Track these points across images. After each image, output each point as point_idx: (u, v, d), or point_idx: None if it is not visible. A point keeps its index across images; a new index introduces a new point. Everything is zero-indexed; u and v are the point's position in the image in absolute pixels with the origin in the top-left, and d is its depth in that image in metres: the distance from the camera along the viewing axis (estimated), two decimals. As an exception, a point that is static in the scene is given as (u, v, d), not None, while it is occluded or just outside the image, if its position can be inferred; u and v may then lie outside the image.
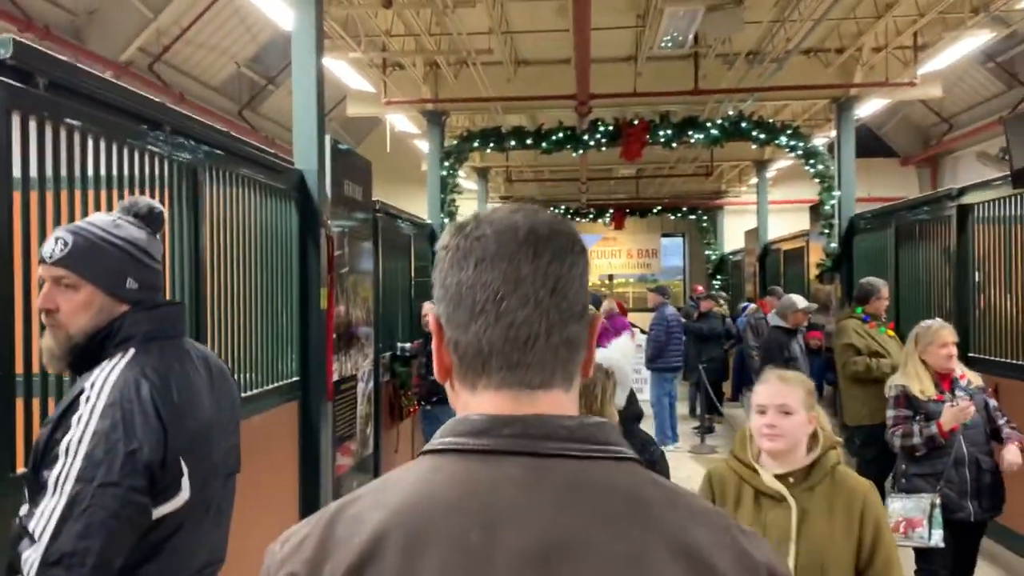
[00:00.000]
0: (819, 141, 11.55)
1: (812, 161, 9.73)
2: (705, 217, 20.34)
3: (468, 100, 10.50)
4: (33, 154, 2.51)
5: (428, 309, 6.65)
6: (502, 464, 0.84)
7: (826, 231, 9.47)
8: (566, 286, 0.89)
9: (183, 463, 1.67)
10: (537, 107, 11.35)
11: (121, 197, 2.99)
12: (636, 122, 10.10)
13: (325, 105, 5.32)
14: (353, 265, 5.61)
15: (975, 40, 8.81)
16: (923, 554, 3.82)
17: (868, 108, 11.27)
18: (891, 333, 5.93)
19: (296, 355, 4.82)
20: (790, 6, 8.09)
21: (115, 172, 2.96)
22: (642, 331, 12.28)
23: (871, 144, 16.96)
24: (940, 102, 13.72)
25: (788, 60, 9.00)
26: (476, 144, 10.34)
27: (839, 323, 6.13)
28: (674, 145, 10.55)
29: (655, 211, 20.81)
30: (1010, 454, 3.84)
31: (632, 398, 2.82)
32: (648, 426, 6.25)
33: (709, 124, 9.95)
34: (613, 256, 23.04)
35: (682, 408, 11.18)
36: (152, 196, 3.22)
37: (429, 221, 9.54)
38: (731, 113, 10.48)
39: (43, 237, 2.54)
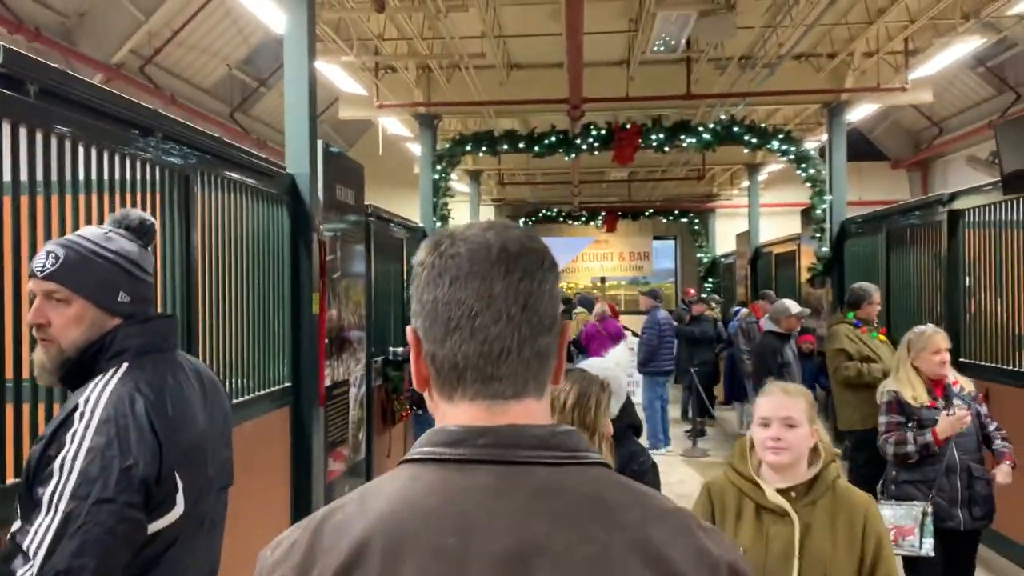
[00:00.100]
0: (810, 145, 11.60)
1: (804, 165, 9.77)
2: (697, 220, 20.40)
3: (461, 104, 10.51)
4: (24, 161, 2.50)
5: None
6: (476, 472, 0.89)
7: (817, 235, 9.50)
8: (536, 302, 0.93)
9: (178, 478, 1.66)
10: (530, 111, 11.36)
11: (113, 203, 2.98)
12: (628, 126, 10.12)
13: (317, 109, 5.30)
14: (345, 269, 5.60)
15: (966, 46, 8.87)
16: (912, 564, 3.77)
17: (859, 112, 11.32)
18: (883, 338, 5.94)
19: (288, 360, 4.80)
20: (782, 11, 8.12)
21: (107, 178, 2.94)
22: (634, 334, 12.30)
23: (862, 148, 17.02)
24: (930, 106, 13.79)
25: (780, 65, 9.03)
26: (468, 148, 10.34)
27: (831, 328, 6.13)
28: (666, 149, 10.57)
29: (647, 214, 20.90)
30: (1001, 474, 3.84)
31: (629, 408, 2.81)
32: (640, 431, 6.20)
33: (701, 128, 9.97)
34: (605, 259, 23.08)
35: (674, 411, 11.20)
36: (144, 202, 3.21)
37: (421, 225, 9.53)
38: (723, 117, 10.52)
39: (34, 241, 2.54)
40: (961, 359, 5.82)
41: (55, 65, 2.67)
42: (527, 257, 0.94)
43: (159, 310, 2.28)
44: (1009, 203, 5.52)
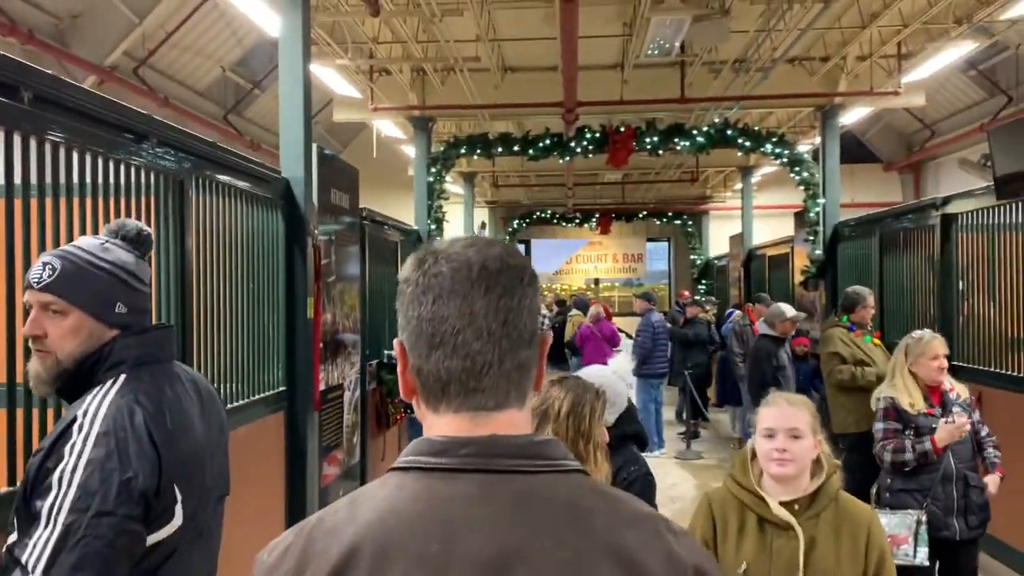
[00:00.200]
0: (803, 148, 11.64)
1: (797, 168, 9.79)
2: (690, 222, 20.45)
3: (455, 107, 10.51)
4: (18, 167, 2.49)
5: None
6: (459, 481, 0.93)
7: (811, 238, 9.53)
8: (516, 317, 0.97)
9: (177, 489, 1.66)
10: (524, 114, 11.37)
11: (108, 208, 2.98)
12: (623, 129, 10.12)
13: (312, 112, 5.30)
14: (340, 273, 5.59)
15: (958, 50, 8.91)
16: (906, 573, 3.65)
17: (852, 115, 11.36)
18: (877, 342, 5.96)
19: (282, 365, 4.79)
20: (776, 16, 8.14)
21: (102, 184, 2.94)
22: (628, 336, 12.31)
23: (854, 150, 17.09)
24: (923, 109, 13.86)
25: (774, 69, 9.05)
26: (463, 150, 10.34)
27: (825, 331, 6.15)
28: (660, 152, 10.58)
29: (641, 216, 20.94)
30: (992, 485, 3.82)
31: (628, 416, 2.78)
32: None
33: (695, 132, 9.99)
34: (599, 260, 23.14)
35: (669, 413, 11.21)
36: (139, 206, 3.21)
37: (416, 227, 9.52)
38: (717, 121, 10.53)
39: (28, 247, 2.53)
40: (954, 363, 5.83)
41: (49, 71, 2.66)
42: (507, 274, 0.98)
43: (153, 315, 2.27)
44: (1002, 207, 5.55)
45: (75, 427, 1.59)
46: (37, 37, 9.16)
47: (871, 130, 17.99)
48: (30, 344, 1.73)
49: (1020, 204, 5.30)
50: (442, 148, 10.50)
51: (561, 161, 10.81)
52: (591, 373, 2.68)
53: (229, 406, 3.93)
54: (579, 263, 23.23)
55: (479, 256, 0.98)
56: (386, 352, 7.16)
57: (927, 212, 6.69)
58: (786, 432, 2.31)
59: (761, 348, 7.17)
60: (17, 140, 2.49)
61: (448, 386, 0.97)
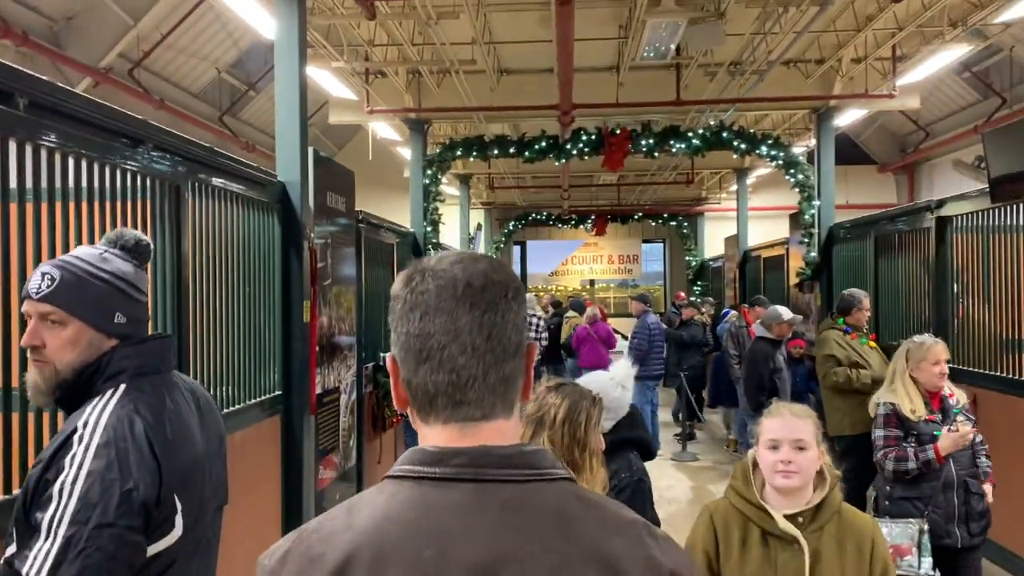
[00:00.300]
0: (798, 150, 11.65)
1: (792, 171, 9.80)
2: (686, 223, 20.48)
3: (451, 109, 10.50)
4: (13, 172, 2.49)
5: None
6: (451, 490, 0.97)
7: (806, 240, 9.55)
8: (499, 332, 1.02)
9: (177, 500, 1.66)
10: (520, 117, 11.36)
11: (104, 213, 2.97)
12: (618, 131, 10.13)
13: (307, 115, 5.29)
14: (336, 276, 5.59)
15: (953, 53, 8.93)
16: None
17: (847, 117, 11.38)
18: (872, 344, 5.97)
19: (279, 369, 4.78)
20: (771, 19, 8.15)
21: (98, 189, 2.93)
22: (623, 337, 12.31)
23: (849, 151, 17.12)
24: (917, 110, 13.87)
25: (769, 71, 9.07)
26: (459, 152, 10.32)
27: (821, 334, 6.15)
28: (656, 154, 10.59)
29: (636, 217, 20.98)
30: (987, 494, 3.79)
31: (631, 422, 2.75)
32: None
33: (691, 134, 9.99)
34: (594, 261, 23.19)
35: (665, 415, 11.22)
36: (135, 211, 3.20)
37: (412, 230, 9.52)
38: (712, 123, 10.54)
39: (23, 252, 2.53)
40: (950, 365, 5.83)
41: (45, 77, 2.65)
42: (491, 290, 1.02)
43: (150, 320, 2.27)
44: (997, 210, 5.56)
45: (75, 438, 1.59)
46: (31, 39, 9.13)
47: (865, 131, 18.03)
48: (28, 354, 1.72)
49: (1015, 206, 5.32)
50: (438, 150, 10.49)
51: (557, 163, 10.81)
52: (591, 380, 2.67)
53: (225, 410, 3.92)
54: (575, 264, 23.26)
55: (464, 273, 1.02)
56: (382, 354, 7.15)
57: (922, 214, 6.71)
58: (791, 443, 2.29)
59: (758, 350, 7.18)
60: (12, 147, 2.48)
61: (436, 399, 1.01)
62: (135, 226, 3.19)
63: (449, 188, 14.33)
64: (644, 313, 10.15)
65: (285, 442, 4.78)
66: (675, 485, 8.42)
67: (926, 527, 3.59)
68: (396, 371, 1.05)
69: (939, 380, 3.83)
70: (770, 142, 9.94)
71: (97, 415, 1.62)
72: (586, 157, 10.53)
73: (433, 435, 1.02)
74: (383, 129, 11.72)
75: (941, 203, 6.46)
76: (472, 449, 1.00)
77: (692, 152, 10.25)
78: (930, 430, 3.72)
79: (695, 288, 18.37)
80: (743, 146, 10.04)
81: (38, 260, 2.58)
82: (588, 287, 23.02)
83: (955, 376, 5.03)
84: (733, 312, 11.27)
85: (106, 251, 1.78)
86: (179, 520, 1.66)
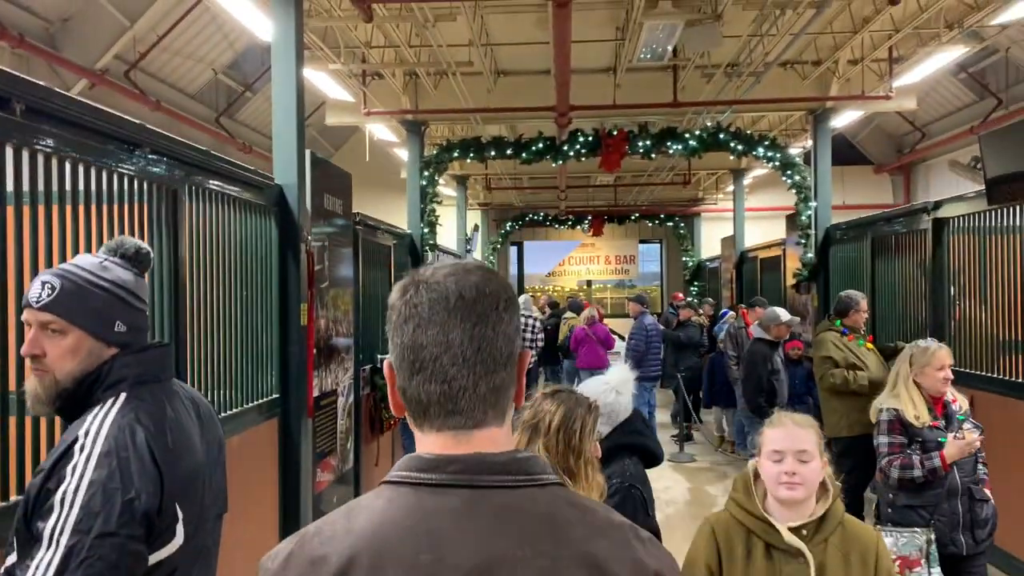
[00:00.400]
0: (795, 151, 11.66)
1: (789, 172, 9.82)
2: (682, 224, 20.50)
3: (448, 111, 10.50)
4: (10, 177, 2.48)
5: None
6: (446, 496, 1.00)
7: (803, 241, 9.55)
8: (490, 344, 1.04)
9: (178, 508, 1.65)
10: (517, 118, 11.36)
11: (101, 217, 2.97)
12: (615, 133, 10.13)
13: (304, 120, 5.29)
14: (333, 278, 5.58)
15: (949, 55, 8.94)
16: None
17: (843, 118, 11.40)
18: (870, 346, 5.98)
19: (276, 372, 4.78)
20: (768, 20, 8.16)
21: (95, 193, 2.93)
22: (620, 337, 12.31)
23: (845, 152, 17.16)
24: (913, 111, 13.92)
25: (766, 73, 9.08)
26: (456, 154, 10.32)
27: (818, 335, 6.16)
28: (653, 156, 10.59)
29: (633, 218, 21.01)
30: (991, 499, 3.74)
31: (629, 428, 2.73)
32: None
33: (687, 135, 10.00)
34: (591, 262, 23.20)
35: (663, 416, 11.23)
36: (132, 215, 3.20)
37: (409, 231, 9.51)
38: (709, 124, 10.54)
39: (20, 255, 2.52)
40: (947, 367, 5.86)
41: (41, 82, 2.65)
42: (482, 302, 1.05)
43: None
44: (993, 211, 5.57)
45: (76, 448, 1.58)
46: (27, 40, 9.11)
47: (862, 132, 18.07)
48: (28, 363, 1.71)
49: (1011, 208, 5.33)
50: (435, 152, 10.49)
51: (554, 164, 10.81)
52: (589, 388, 2.66)
53: (223, 414, 3.92)
54: (571, 265, 23.27)
55: (457, 286, 1.04)
56: (380, 356, 7.14)
57: (919, 216, 6.71)
58: (795, 455, 2.25)
59: (756, 352, 7.19)
60: (9, 152, 2.48)
61: (429, 408, 1.05)
62: (132, 230, 3.19)
63: (446, 189, 14.32)
64: (641, 314, 10.14)
65: (283, 445, 4.78)
66: (673, 487, 8.42)
67: (933, 536, 3.50)
68: (393, 378, 1.08)
69: (943, 386, 3.76)
70: (767, 143, 9.95)
71: (98, 424, 1.62)
72: (583, 158, 10.53)
73: (428, 442, 1.06)
74: (380, 131, 11.71)
75: (938, 205, 6.47)
76: (466, 456, 1.03)
77: (689, 153, 10.27)
78: (934, 436, 3.65)
79: (692, 289, 18.39)
80: (740, 147, 10.05)
81: (35, 265, 2.58)
82: (585, 288, 23.03)
83: (952, 378, 5.04)
84: (731, 313, 11.27)
85: (106, 259, 1.77)
86: (180, 529, 1.66)
